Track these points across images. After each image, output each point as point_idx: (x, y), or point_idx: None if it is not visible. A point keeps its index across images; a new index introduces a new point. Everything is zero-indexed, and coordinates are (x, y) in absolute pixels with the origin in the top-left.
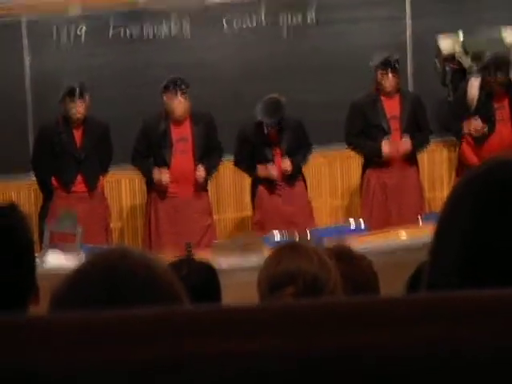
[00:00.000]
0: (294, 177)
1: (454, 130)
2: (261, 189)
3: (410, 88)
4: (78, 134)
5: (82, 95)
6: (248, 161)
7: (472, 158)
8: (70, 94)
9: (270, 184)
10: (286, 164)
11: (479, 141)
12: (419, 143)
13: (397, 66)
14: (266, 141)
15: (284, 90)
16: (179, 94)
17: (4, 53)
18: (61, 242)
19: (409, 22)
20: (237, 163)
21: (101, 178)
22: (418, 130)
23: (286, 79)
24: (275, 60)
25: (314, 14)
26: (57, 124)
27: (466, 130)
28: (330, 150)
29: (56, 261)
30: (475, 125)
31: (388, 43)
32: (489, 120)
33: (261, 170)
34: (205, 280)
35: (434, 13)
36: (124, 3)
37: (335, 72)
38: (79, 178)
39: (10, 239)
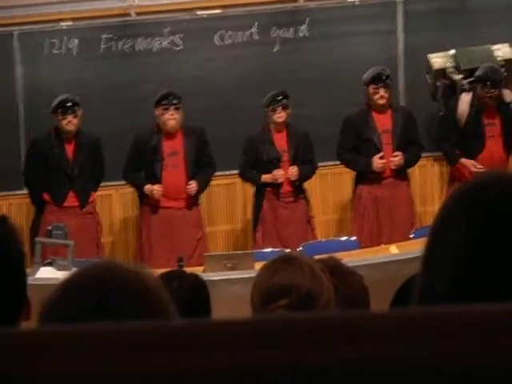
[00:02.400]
0: (298, 192)
1: (446, 151)
2: (264, 209)
3: (402, 103)
4: (69, 148)
5: (73, 109)
6: (253, 169)
7: (463, 173)
8: (62, 107)
9: (273, 200)
10: (293, 170)
11: (470, 157)
12: (411, 158)
13: (388, 81)
14: (275, 147)
15: None
16: (172, 108)
17: None
18: (53, 257)
19: (401, 36)
20: (242, 172)
21: (92, 193)
22: (410, 145)
23: None
24: (267, 73)
25: (306, 27)
26: (49, 137)
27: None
28: (321, 165)
29: (47, 275)
30: (469, 162)
31: (380, 57)
32: (479, 136)
33: (266, 177)
34: (195, 293)
35: (427, 27)
36: (116, 16)
37: (327, 86)
38: (71, 193)
39: (0, 251)
